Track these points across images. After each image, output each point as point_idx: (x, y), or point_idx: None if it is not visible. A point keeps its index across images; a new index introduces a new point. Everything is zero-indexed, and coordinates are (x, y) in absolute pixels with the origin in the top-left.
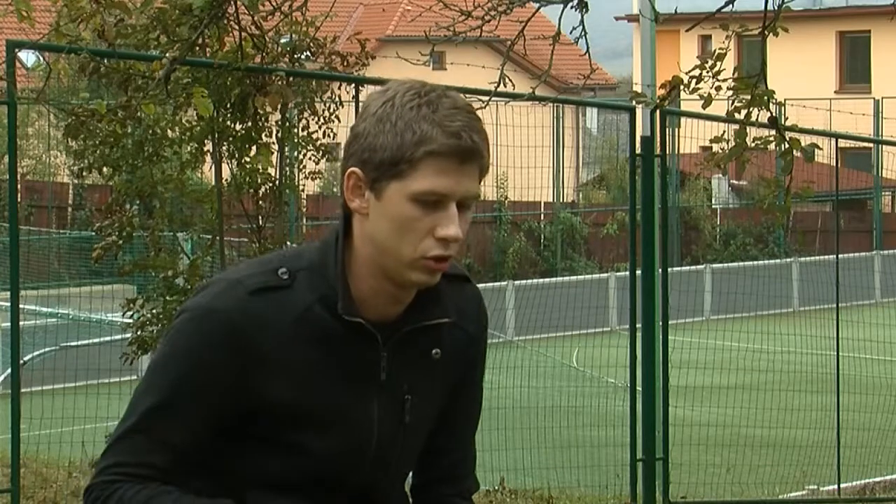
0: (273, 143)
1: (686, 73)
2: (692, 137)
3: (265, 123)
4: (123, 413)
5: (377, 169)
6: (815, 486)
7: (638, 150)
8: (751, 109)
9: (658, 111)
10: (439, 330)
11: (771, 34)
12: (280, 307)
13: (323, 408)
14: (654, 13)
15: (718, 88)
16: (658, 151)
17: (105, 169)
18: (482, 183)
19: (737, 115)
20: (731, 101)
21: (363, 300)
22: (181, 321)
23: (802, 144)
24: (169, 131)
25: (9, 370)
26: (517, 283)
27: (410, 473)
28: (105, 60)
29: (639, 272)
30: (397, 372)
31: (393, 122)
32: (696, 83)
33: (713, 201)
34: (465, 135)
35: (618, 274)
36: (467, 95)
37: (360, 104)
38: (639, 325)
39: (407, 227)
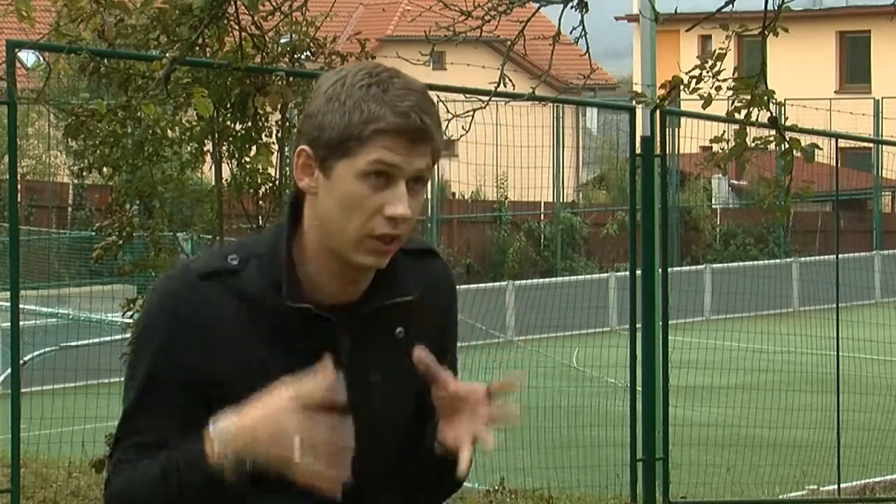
0: (273, 143)
1: (686, 73)
2: (692, 137)
3: (265, 123)
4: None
5: (326, 147)
6: (815, 486)
7: (638, 150)
8: (751, 109)
9: (658, 111)
10: (403, 309)
11: (771, 34)
12: (230, 291)
13: None
14: (654, 13)
15: (718, 88)
16: (658, 151)
17: (105, 169)
18: (482, 183)
19: (737, 115)
20: (731, 101)
21: (317, 283)
22: (143, 313)
23: (802, 144)
24: (169, 131)
25: (9, 370)
26: (517, 283)
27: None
28: (105, 60)
29: (639, 272)
30: (360, 354)
31: (342, 101)
32: (696, 83)
33: (713, 201)
34: (415, 114)
35: (618, 274)
36: (467, 95)
37: None
38: (639, 325)
39: (355, 205)
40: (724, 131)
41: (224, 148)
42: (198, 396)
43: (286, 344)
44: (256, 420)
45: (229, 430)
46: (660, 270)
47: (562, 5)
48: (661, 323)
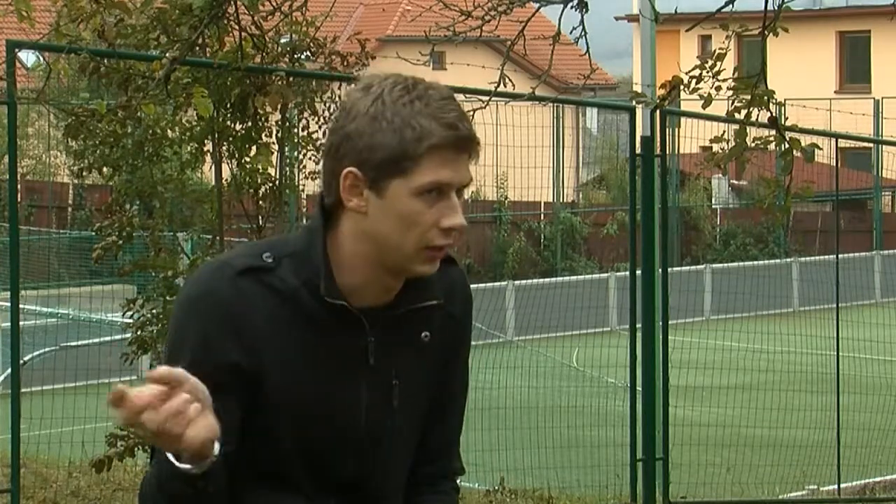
0: (273, 143)
1: (686, 73)
2: (692, 137)
3: (265, 123)
4: None
5: (377, 168)
6: (815, 486)
7: (638, 150)
8: (751, 109)
9: (658, 111)
10: (429, 312)
11: (771, 34)
12: (267, 288)
13: (310, 391)
14: (654, 13)
15: (718, 88)
16: (658, 151)
17: (105, 169)
18: (482, 183)
19: (737, 115)
20: (731, 101)
21: (352, 290)
22: (179, 309)
23: (802, 144)
24: (169, 131)
25: (9, 370)
26: (517, 283)
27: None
28: (105, 60)
29: (639, 272)
30: (386, 356)
31: (389, 119)
32: (696, 83)
33: (713, 201)
34: (461, 125)
35: (618, 274)
36: (467, 95)
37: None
38: (639, 325)
39: (413, 221)
40: (724, 131)
41: (224, 148)
42: (235, 390)
43: (317, 342)
44: None
45: None
46: (660, 270)
47: (562, 5)
48: (661, 323)
